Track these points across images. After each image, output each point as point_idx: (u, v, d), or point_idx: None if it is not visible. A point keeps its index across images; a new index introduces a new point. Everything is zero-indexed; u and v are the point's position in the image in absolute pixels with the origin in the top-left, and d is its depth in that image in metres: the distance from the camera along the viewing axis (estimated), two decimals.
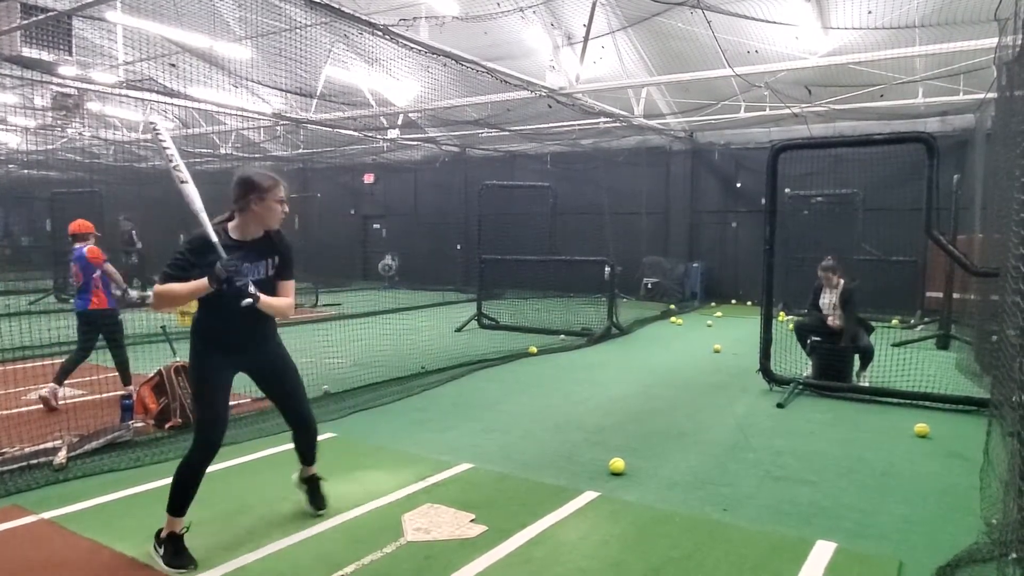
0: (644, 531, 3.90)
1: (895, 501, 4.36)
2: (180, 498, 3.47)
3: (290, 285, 3.66)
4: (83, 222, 6.76)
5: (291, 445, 5.31)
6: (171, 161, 3.41)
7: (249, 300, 3.28)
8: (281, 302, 3.57)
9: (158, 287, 3.32)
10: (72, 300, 6.91)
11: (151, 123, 3.48)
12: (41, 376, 6.83)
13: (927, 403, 6.63)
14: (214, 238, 3.32)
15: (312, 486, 4.10)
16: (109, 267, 6.58)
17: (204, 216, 3.35)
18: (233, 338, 3.54)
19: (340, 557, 3.53)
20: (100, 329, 6.54)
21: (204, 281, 3.25)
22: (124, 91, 11.70)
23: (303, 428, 3.96)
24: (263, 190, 3.48)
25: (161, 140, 3.43)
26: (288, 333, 9.68)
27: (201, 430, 3.50)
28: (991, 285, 6.60)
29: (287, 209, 3.61)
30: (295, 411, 3.91)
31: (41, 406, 6.30)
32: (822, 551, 3.65)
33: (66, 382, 6.52)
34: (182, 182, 3.39)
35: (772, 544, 3.73)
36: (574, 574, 3.40)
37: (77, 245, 6.59)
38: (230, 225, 3.53)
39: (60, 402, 6.33)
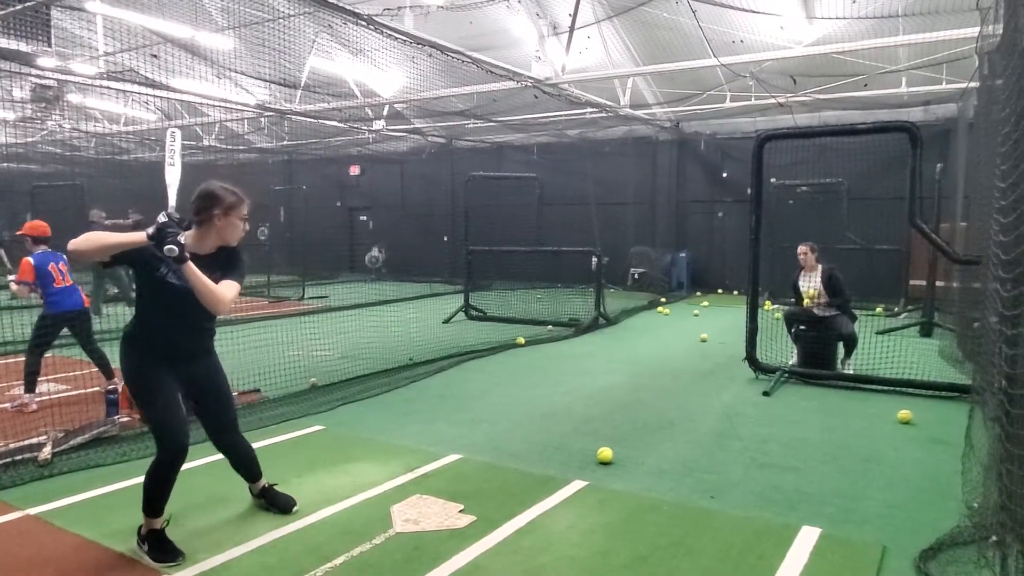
0: (632, 519, 3.93)
1: (878, 487, 4.42)
2: (155, 500, 3.42)
3: (229, 284, 3.39)
4: (40, 224, 6.48)
5: (278, 439, 5.33)
6: (171, 154, 3.41)
7: (173, 248, 3.03)
8: (211, 284, 3.27)
9: (88, 233, 3.20)
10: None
11: (172, 131, 3.51)
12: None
13: (910, 390, 6.71)
14: (172, 202, 3.28)
15: (269, 495, 4.02)
16: (20, 289, 6.21)
17: (173, 192, 3.34)
18: (172, 348, 3.45)
19: (329, 549, 3.53)
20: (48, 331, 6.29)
21: (141, 234, 3.12)
22: (105, 82, 11.55)
23: (233, 450, 3.86)
24: (228, 206, 3.41)
25: (172, 142, 3.46)
26: (276, 326, 9.68)
27: (164, 440, 3.37)
28: (973, 273, 6.68)
29: (247, 227, 3.54)
30: (222, 434, 3.79)
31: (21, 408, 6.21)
32: (807, 536, 3.69)
33: (51, 377, 6.44)
34: (169, 164, 3.39)
35: (758, 530, 3.78)
36: (562, 562, 3.43)
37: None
38: (186, 234, 3.32)
39: (39, 398, 6.23)
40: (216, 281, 3.33)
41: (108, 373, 6.58)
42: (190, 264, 3.18)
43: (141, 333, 3.45)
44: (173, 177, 3.39)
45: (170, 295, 3.33)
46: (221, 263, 3.46)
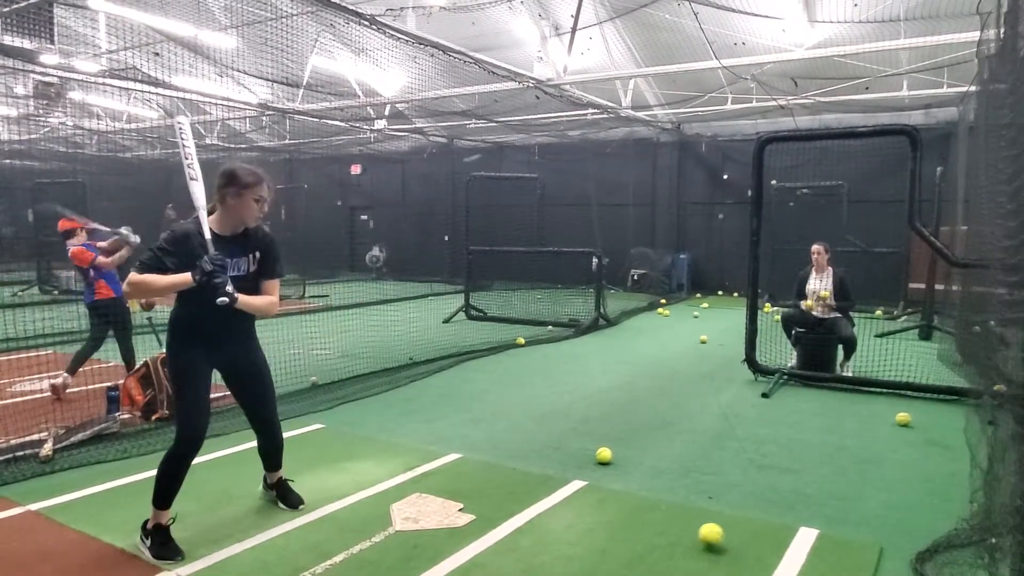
0: (630, 519, 3.94)
1: (876, 488, 4.43)
2: (165, 491, 3.46)
3: (274, 284, 3.61)
4: (65, 221, 6.67)
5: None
6: (187, 159, 3.45)
7: (225, 300, 3.25)
8: (262, 301, 3.54)
9: (133, 275, 3.29)
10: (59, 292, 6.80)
11: (178, 121, 3.51)
12: (26, 368, 6.79)
13: (909, 392, 6.72)
14: (207, 235, 3.32)
15: (282, 489, 4.07)
16: (101, 260, 6.41)
17: (204, 214, 3.37)
18: (211, 333, 3.52)
19: (329, 547, 3.55)
20: (109, 319, 6.48)
21: (187, 275, 3.24)
22: (107, 80, 11.58)
23: (269, 435, 3.94)
24: (242, 185, 3.44)
25: (182, 138, 3.47)
26: (276, 324, 9.71)
27: (184, 424, 3.48)
28: (974, 276, 6.69)
29: (265, 209, 3.56)
30: (263, 418, 3.88)
31: (32, 395, 6.26)
32: (805, 537, 3.71)
33: (51, 374, 6.47)
34: (192, 179, 3.42)
35: (756, 531, 3.79)
36: (560, 561, 3.44)
37: (68, 243, 6.53)
38: (211, 218, 3.47)
39: (39, 395, 6.29)
40: (256, 260, 3.56)
41: (130, 369, 6.68)
42: (242, 298, 3.36)
43: (182, 316, 3.53)
44: (199, 195, 3.38)
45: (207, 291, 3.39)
46: (256, 242, 3.56)
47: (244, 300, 3.40)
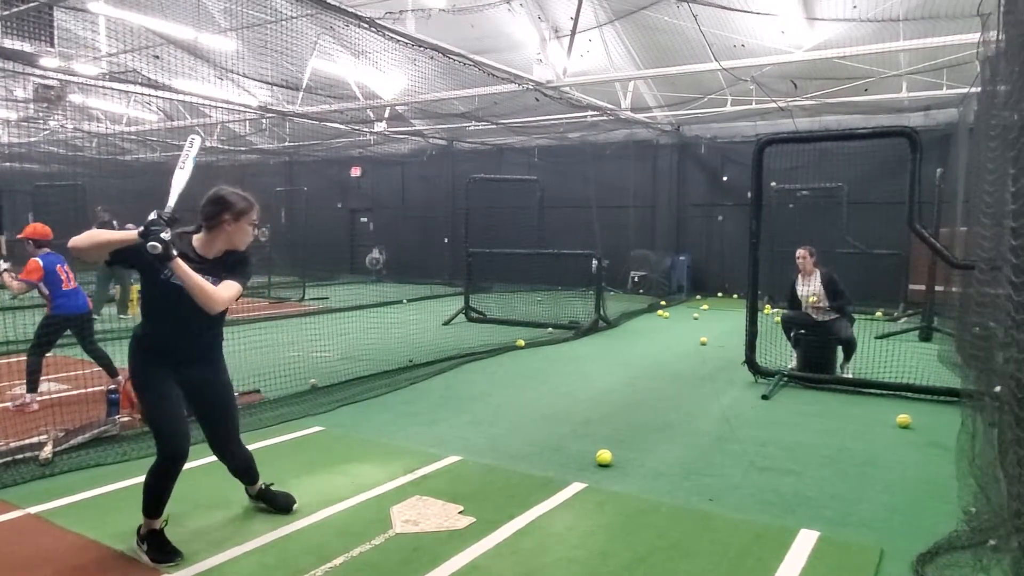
0: (631, 521, 3.94)
1: (877, 490, 4.43)
2: (153, 502, 3.43)
3: (230, 284, 3.39)
4: (33, 226, 6.50)
5: (278, 440, 5.34)
6: (184, 158, 3.42)
7: (156, 246, 3.01)
8: (203, 282, 3.24)
9: (88, 231, 3.25)
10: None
11: (192, 137, 3.51)
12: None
13: (909, 394, 6.72)
14: (171, 203, 3.23)
15: (267, 495, 4.02)
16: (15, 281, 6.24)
17: (175, 194, 3.29)
18: (174, 353, 3.46)
19: (329, 549, 3.54)
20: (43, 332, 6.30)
21: (133, 232, 3.12)
22: (107, 83, 11.59)
23: (229, 459, 3.82)
24: (239, 211, 3.45)
25: (189, 147, 3.46)
26: (276, 327, 9.68)
27: (163, 443, 3.38)
28: (974, 278, 6.68)
29: (256, 233, 3.59)
30: (221, 443, 3.75)
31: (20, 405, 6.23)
32: (805, 539, 3.70)
33: (51, 376, 6.47)
34: (180, 167, 3.38)
35: (756, 533, 3.79)
36: (561, 564, 3.44)
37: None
38: (195, 239, 3.45)
39: (40, 398, 6.25)
40: (219, 282, 3.37)
41: (112, 371, 6.63)
42: (178, 261, 3.16)
43: (145, 334, 3.47)
44: (180, 181, 3.37)
45: (172, 296, 3.31)
46: (228, 266, 3.48)
47: (184, 269, 3.16)
